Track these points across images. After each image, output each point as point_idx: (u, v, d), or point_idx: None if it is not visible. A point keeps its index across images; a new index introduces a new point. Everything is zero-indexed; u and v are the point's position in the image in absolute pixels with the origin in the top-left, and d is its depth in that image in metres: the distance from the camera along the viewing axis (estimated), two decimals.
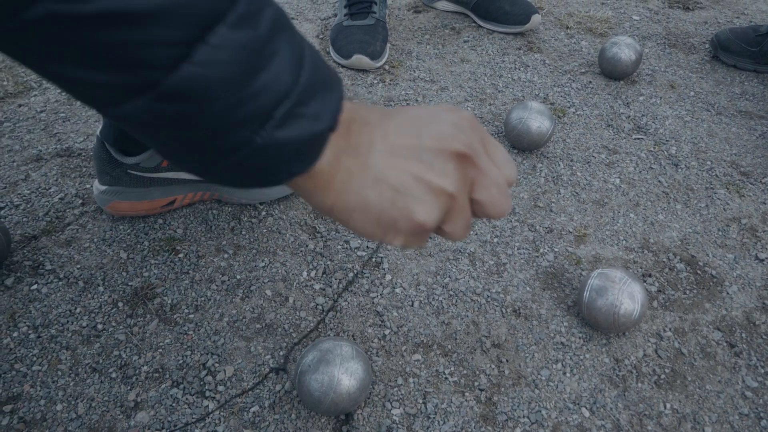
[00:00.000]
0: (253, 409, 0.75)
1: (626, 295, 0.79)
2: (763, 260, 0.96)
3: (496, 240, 0.98)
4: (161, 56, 0.29)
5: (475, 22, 1.65)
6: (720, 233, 1.01)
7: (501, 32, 1.60)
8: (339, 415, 0.74)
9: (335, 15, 1.65)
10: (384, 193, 0.39)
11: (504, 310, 0.87)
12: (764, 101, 1.36)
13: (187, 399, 0.76)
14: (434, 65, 1.45)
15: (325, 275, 0.93)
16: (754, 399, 0.78)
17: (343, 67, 1.38)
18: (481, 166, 0.41)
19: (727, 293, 0.91)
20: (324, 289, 0.91)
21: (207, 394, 0.77)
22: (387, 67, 1.40)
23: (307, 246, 0.97)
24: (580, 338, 0.84)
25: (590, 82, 1.40)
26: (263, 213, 1.03)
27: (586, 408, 0.76)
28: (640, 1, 1.80)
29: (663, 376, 0.80)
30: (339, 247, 0.97)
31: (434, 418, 0.75)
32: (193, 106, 0.31)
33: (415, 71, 1.40)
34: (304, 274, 0.93)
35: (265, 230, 1.00)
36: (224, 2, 0.31)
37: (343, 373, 0.70)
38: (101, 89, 0.31)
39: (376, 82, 1.35)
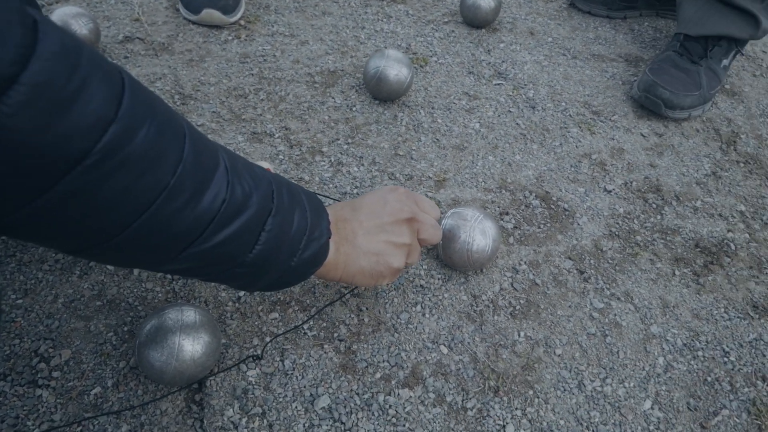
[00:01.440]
0: (94, 391, 0.69)
1: (478, 232, 0.80)
2: (610, 191, 1.01)
3: (356, 191, 0.96)
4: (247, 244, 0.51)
5: None
6: (572, 169, 1.05)
7: None
8: (189, 385, 0.70)
9: None
10: (371, 258, 0.64)
11: None
12: (615, 45, 1.41)
13: (15, 391, 0.69)
14: (294, 19, 1.40)
15: None
16: (600, 319, 0.81)
17: (193, 23, 1.30)
18: (420, 220, 0.68)
19: (578, 224, 0.94)
20: None
21: (40, 382, 0.70)
22: (243, 22, 1.33)
23: None
24: (439, 279, 0.84)
25: (453, 31, 1.40)
26: None
27: (445, 345, 0.76)
28: None
29: (518, 307, 0.81)
30: None
31: (292, 374, 0.72)
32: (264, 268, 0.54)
33: (273, 26, 1.34)
34: None
35: None
36: (269, 206, 0.51)
37: (184, 339, 0.66)
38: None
39: (230, 38, 1.28)
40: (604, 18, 1.53)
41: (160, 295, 0.80)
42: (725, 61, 1.24)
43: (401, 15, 1.45)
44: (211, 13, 1.25)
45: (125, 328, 0.76)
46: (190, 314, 0.68)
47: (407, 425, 0.68)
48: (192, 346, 0.66)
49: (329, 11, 1.44)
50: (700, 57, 1.21)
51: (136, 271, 0.82)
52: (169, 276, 0.82)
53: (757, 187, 1.06)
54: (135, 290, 0.80)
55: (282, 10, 1.42)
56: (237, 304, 0.79)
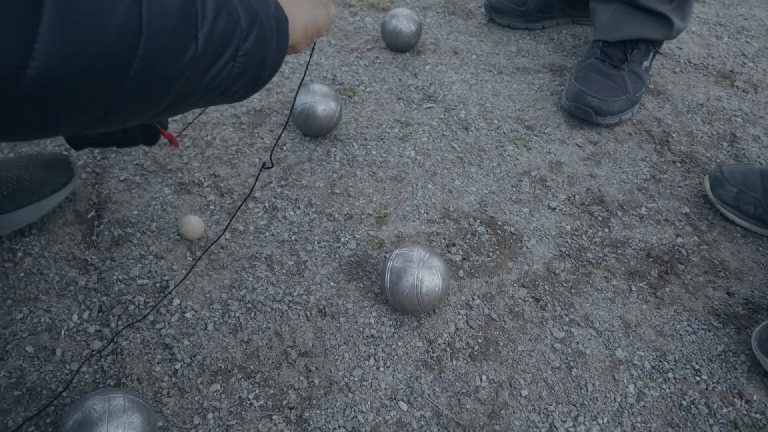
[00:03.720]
0: None
1: (426, 273, 0.75)
2: (554, 208, 0.99)
3: (294, 237, 0.91)
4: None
5: None
6: (514, 189, 1.02)
7: None
8: None
9: None
10: None
11: (308, 313, 0.80)
12: (538, 56, 1.41)
13: None
14: None
15: (101, 314, 0.79)
16: (563, 350, 0.78)
17: None
18: None
19: (527, 248, 0.91)
20: (100, 331, 0.77)
21: None
22: None
23: (77, 283, 0.83)
24: (390, 326, 0.79)
25: (377, 57, 1.37)
26: (19, 254, 0.86)
27: (404, 401, 0.71)
28: None
29: (477, 347, 0.77)
30: (116, 277, 0.83)
31: None
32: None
33: None
34: (75, 317, 0.79)
35: (22, 274, 0.83)
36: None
37: (113, 429, 0.59)
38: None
39: None
40: (524, 30, 1.53)
41: (86, 376, 0.72)
42: (645, 63, 1.26)
43: (324, 45, 1.40)
44: None
45: (48, 420, 0.68)
46: (118, 400, 0.61)
47: None
48: None
49: None
50: (622, 61, 1.22)
51: (58, 352, 0.74)
52: (96, 354, 0.74)
53: (697, 186, 1.06)
54: (58, 374, 0.72)
55: None
56: (174, 379, 0.72)
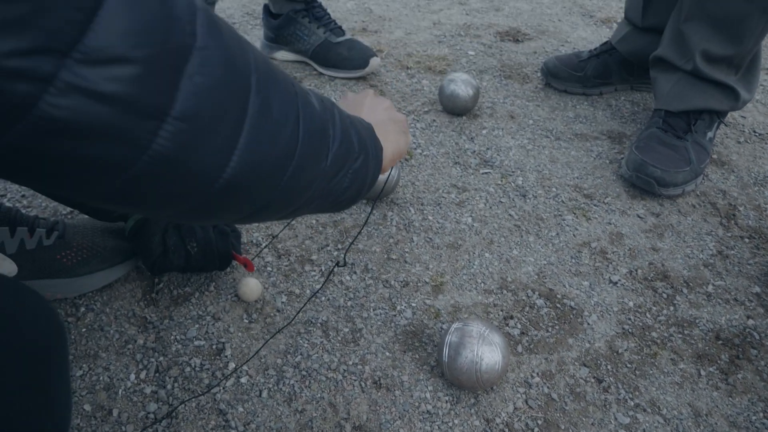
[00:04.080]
0: None
1: (486, 349, 0.74)
2: (616, 283, 0.96)
3: (350, 303, 0.90)
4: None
5: (315, 69, 1.60)
6: (573, 261, 1.00)
7: (342, 78, 1.55)
8: None
9: None
10: (388, 125, 0.75)
11: (363, 384, 0.79)
12: (596, 122, 1.40)
13: None
14: None
15: (158, 374, 0.80)
16: None
17: None
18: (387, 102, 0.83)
19: (588, 324, 0.89)
20: (156, 392, 0.77)
21: None
22: None
23: (135, 341, 0.84)
24: (447, 402, 0.77)
25: (434, 120, 1.38)
26: (82, 309, 0.88)
27: None
28: (473, 37, 1.84)
29: (536, 430, 0.74)
30: (173, 337, 0.84)
31: None
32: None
33: None
34: (132, 377, 0.79)
35: (84, 330, 0.85)
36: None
37: None
38: None
39: None
40: (581, 95, 1.53)
41: None
42: (710, 134, 1.23)
43: None
44: None
45: None
46: None
47: None
48: None
49: None
50: (685, 132, 1.20)
51: (115, 412, 0.75)
52: (152, 414, 0.74)
53: None
54: None
55: None
56: None
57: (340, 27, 1.58)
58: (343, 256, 0.91)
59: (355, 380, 0.79)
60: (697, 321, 0.90)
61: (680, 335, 0.87)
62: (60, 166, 0.33)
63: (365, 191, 0.62)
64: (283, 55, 1.63)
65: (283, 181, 0.46)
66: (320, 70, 1.58)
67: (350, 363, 0.81)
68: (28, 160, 0.33)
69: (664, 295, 0.94)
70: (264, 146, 0.42)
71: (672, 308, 0.92)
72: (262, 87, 0.42)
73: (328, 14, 1.58)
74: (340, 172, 0.54)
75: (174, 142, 0.36)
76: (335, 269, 0.91)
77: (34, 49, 0.29)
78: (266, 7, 1.62)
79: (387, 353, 0.83)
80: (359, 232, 0.97)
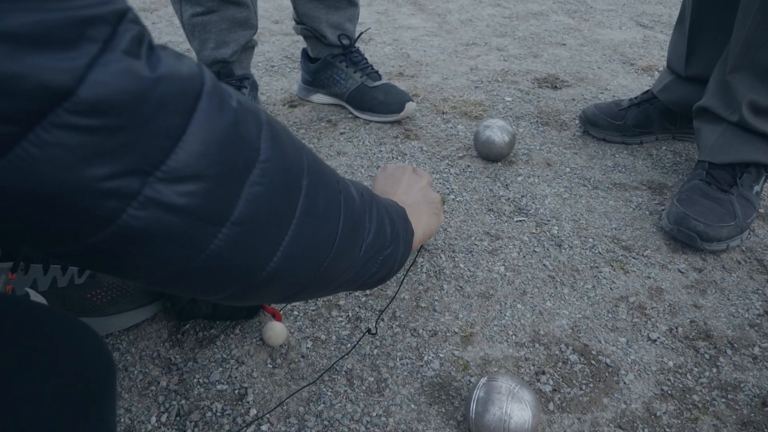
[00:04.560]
0: None
1: (515, 406, 0.70)
2: (655, 340, 0.91)
3: (376, 351, 0.88)
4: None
5: (351, 113, 1.61)
6: (610, 315, 0.96)
7: (377, 121, 1.56)
8: None
9: None
10: (422, 206, 0.86)
11: None
12: (635, 172, 1.37)
13: None
14: None
15: (179, 418, 0.78)
16: None
17: None
18: (420, 174, 0.95)
19: (624, 383, 0.84)
20: None
21: None
22: None
23: (158, 383, 0.83)
24: None
25: (468, 166, 1.37)
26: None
27: None
28: (511, 83, 1.84)
29: None
30: (196, 380, 0.83)
31: None
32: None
33: None
34: (153, 419, 0.78)
35: None
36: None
37: None
38: None
39: None
40: (620, 144, 1.50)
41: None
42: (757, 187, 1.19)
43: (415, 151, 1.43)
44: None
45: None
46: None
47: None
48: None
49: (344, 151, 1.43)
50: (730, 185, 1.16)
51: None
52: None
53: None
54: None
55: None
56: None
57: (376, 72, 1.59)
58: (375, 323, 0.91)
59: None
60: (742, 385, 0.85)
61: (723, 399, 0.82)
62: (125, 264, 0.37)
63: (393, 274, 0.66)
64: (319, 98, 1.66)
65: (320, 271, 0.49)
66: (356, 113, 1.59)
67: (374, 414, 0.79)
68: (100, 259, 0.36)
69: (707, 356, 0.89)
70: (306, 241, 0.45)
71: (715, 370, 0.87)
72: (311, 188, 0.45)
73: (365, 59, 1.60)
74: (371, 261, 0.58)
75: (228, 243, 0.39)
76: (365, 336, 0.89)
77: (127, 172, 0.32)
78: (305, 51, 1.65)
79: (412, 405, 0.80)
80: (390, 301, 0.96)
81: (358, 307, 0.95)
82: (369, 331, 0.88)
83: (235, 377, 0.84)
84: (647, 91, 1.50)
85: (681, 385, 0.84)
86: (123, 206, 0.33)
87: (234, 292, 0.44)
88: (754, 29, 1.07)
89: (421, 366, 0.86)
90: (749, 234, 1.16)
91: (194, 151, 0.35)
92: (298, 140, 0.47)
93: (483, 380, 0.74)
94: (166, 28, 2.29)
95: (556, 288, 1.01)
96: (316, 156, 0.50)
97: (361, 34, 1.62)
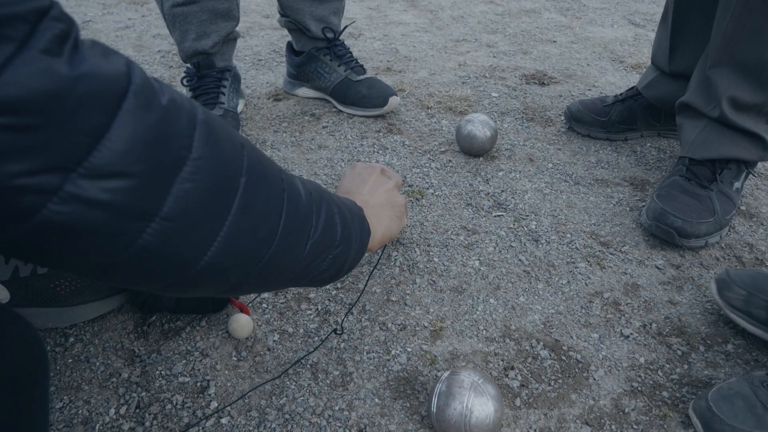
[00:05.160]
0: None
1: (477, 400, 0.69)
2: (627, 336, 0.90)
3: (343, 345, 0.87)
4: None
5: (335, 107, 1.60)
6: (583, 311, 0.95)
7: (360, 116, 1.55)
8: None
9: None
10: (386, 209, 0.85)
11: (348, 431, 0.75)
12: (618, 168, 1.36)
13: None
14: (289, 153, 1.37)
15: (138, 410, 0.77)
16: None
17: None
18: (389, 175, 0.93)
19: (594, 379, 0.83)
20: (134, 429, 0.75)
21: None
22: None
23: (120, 375, 0.82)
24: None
25: (450, 160, 1.36)
26: (71, 339, 0.87)
27: None
28: (498, 79, 1.82)
29: None
30: (159, 372, 0.82)
31: None
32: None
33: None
34: (112, 411, 0.77)
35: (70, 360, 0.84)
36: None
37: None
38: None
39: None
40: (604, 140, 1.49)
41: None
42: (737, 184, 1.17)
43: (397, 146, 1.41)
44: None
45: None
46: None
47: None
48: None
49: (325, 144, 1.41)
50: (710, 181, 1.15)
51: None
52: None
53: None
54: None
55: (278, 145, 1.40)
56: None
57: (361, 66, 1.58)
58: (340, 322, 0.89)
59: (339, 427, 0.75)
60: (713, 381, 0.83)
61: (693, 396, 0.81)
62: (52, 255, 0.38)
63: (343, 273, 0.66)
64: (303, 91, 1.65)
65: (259, 266, 0.49)
66: (339, 107, 1.58)
67: (336, 408, 0.78)
68: (25, 250, 0.37)
69: (679, 352, 0.88)
70: (243, 238, 0.46)
71: (686, 366, 0.86)
72: (250, 185, 0.46)
73: (350, 53, 1.59)
74: (317, 258, 0.58)
75: (158, 238, 0.39)
76: (331, 335, 0.88)
77: (46, 169, 0.32)
78: (289, 45, 1.64)
79: (376, 400, 0.79)
80: (360, 296, 0.94)
81: (328, 300, 0.94)
82: (335, 330, 0.86)
83: (198, 369, 0.82)
84: (632, 88, 1.49)
85: (651, 382, 0.83)
86: (43, 201, 0.33)
87: (168, 283, 0.44)
88: (733, 24, 1.06)
89: (388, 360, 0.85)
90: (729, 231, 1.15)
91: (118, 149, 0.35)
92: (241, 139, 0.48)
93: (446, 374, 0.73)
94: (155, 21, 2.28)
95: (531, 283, 1.00)
96: (261, 154, 0.50)
97: (346, 27, 1.61)
